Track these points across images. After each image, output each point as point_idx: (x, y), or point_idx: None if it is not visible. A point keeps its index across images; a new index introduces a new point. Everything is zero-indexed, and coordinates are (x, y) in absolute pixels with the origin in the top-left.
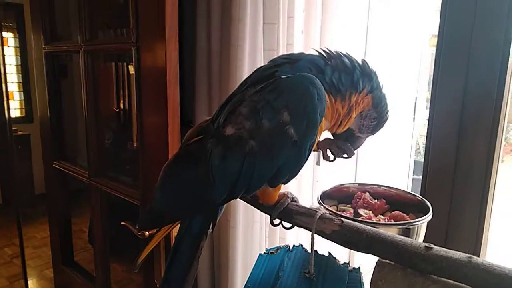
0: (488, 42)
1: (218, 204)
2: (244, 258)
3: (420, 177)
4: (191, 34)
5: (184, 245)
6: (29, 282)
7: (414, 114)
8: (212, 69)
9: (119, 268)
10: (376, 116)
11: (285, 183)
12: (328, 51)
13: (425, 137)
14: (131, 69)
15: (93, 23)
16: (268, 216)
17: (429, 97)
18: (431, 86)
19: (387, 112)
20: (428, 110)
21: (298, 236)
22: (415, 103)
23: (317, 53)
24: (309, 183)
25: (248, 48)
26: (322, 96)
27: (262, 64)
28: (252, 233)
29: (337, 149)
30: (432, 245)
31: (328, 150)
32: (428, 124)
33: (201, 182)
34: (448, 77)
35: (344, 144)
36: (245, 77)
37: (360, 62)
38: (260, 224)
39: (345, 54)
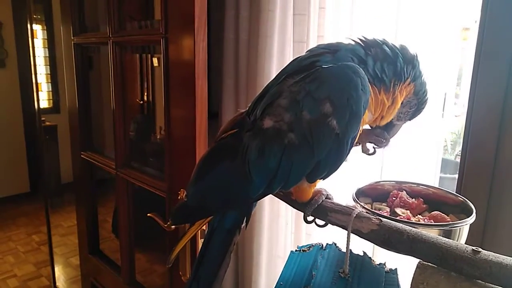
0: None
1: (254, 200)
2: (268, 254)
3: (448, 175)
4: (219, 25)
5: (216, 240)
6: (56, 269)
7: (443, 110)
8: (240, 61)
9: (143, 258)
10: (415, 103)
11: (324, 178)
12: (366, 40)
13: (455, 134)
14: (155, 62)
15: (121, 14)
16: (295, 212)
17: (458, 93)
18: (460, 81)
19: (426, 99)
20: (456, 106)
21: (325, 233)
22: (445, 99)
23: (354, 42)
24: (337, 180)
25: (277, 40)
26: (366, 86)
27: (291, 56)
28: (278, 229)
29: (376, 139)
30: (480, 249)
31: (367, 143)
32: (466, 120)
33: (237, 177)
34: (489, 70)
35: (381, 133)
36: (273, 69)
37: (399, 47)
38: (285, 220)
39: (384, 41)
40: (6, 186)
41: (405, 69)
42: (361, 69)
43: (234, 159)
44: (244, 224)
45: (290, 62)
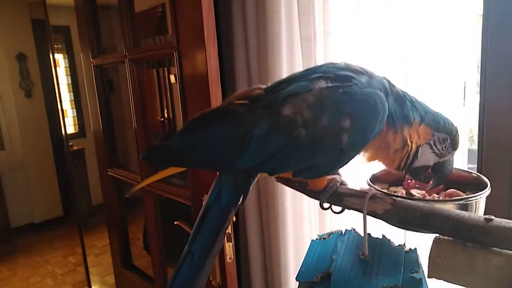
0: None
1: (238, 170)
2: (295, 256)
3: (475, 166)
4: (228, 31)
5: (211, 217)
6: None
7: (464, 99)
8: (251, 64)
9: None
10: (445, 137)
11: (306, 178)
12: (388, 79)
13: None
14: (172, 79)
15: (135, 33)
16: (318, 212)
17: (479, 80)
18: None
19: (453, 126)
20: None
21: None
22: (465, 88)
23: (383, 76)
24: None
25: (285, 39)
26: (383, 121)
27: (300, 54)
28: (302, 231)
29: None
30: (493, 217)
31: None
32: (480, 99)
33: (233, 144)
34: (498, 46)
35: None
36: (284, 69)
37: (407, 92)
38: (309, 221)
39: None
40: (41, 211)
41: (411, 112)
42: (387, 103)
43: (238, 126)
44: (240, 202)
45: (325, 64)
